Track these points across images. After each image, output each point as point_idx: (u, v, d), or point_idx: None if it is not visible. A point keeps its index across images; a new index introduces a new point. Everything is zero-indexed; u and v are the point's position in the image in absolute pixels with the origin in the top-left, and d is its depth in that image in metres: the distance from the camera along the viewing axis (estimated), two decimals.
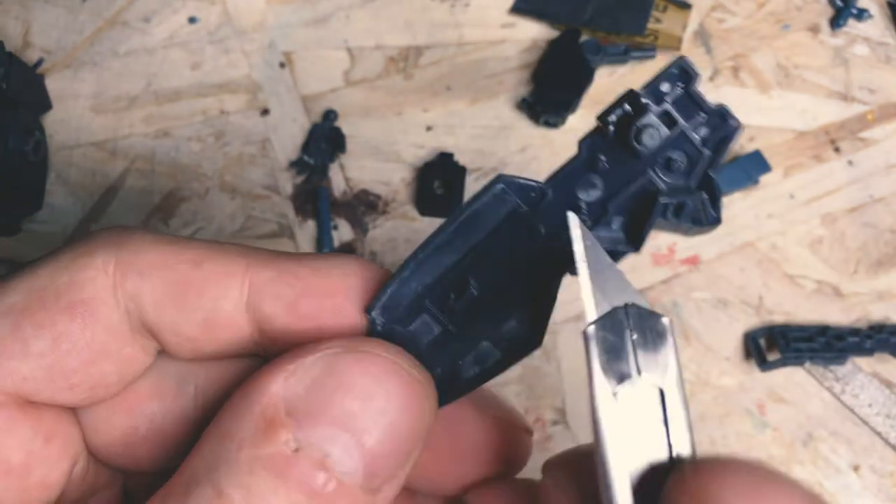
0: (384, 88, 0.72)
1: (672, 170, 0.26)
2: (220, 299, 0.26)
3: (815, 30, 0.75)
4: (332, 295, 0.26)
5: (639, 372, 0.19)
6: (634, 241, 0.26)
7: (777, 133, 0.70)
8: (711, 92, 0.71)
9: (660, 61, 0.73)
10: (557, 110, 0.67)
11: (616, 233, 0.27)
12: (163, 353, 0.28)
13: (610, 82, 0.71)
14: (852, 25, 0.75)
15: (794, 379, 0.60)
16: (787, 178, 0.68)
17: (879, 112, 0.71)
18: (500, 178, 0.26)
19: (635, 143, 0.25)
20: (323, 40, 0.74)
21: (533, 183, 0.26)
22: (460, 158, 0.67)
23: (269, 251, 0.27)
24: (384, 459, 0.23)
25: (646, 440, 0.18)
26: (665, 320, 0.21)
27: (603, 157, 0.26)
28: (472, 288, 0.26)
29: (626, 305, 0.21)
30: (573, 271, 0.23)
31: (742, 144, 0.69)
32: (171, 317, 0.26)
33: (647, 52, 0.72)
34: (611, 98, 0.25)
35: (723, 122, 0.26)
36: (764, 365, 0.60)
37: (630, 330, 0.20)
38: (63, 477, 0.27)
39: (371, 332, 0.27)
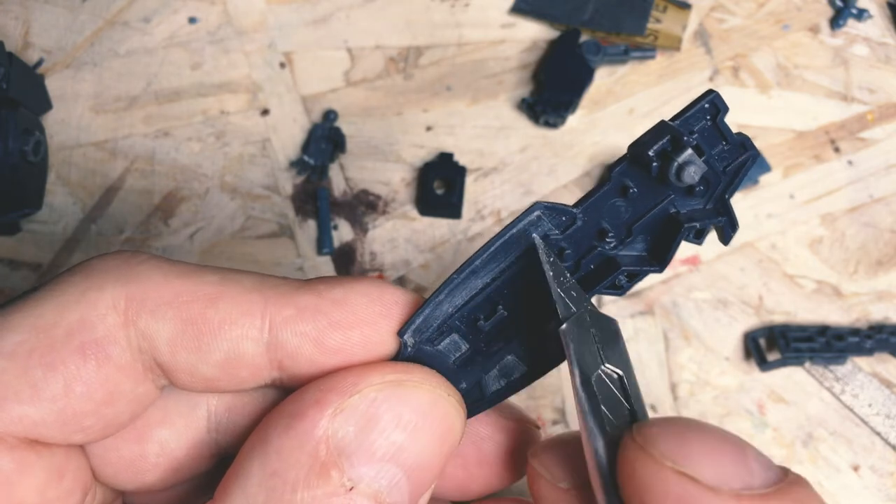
0: (384, 88, 0.72)
1: (693, 194, 0.27)
2: (239, 340, 0.25)
3: (815, 30, 0.75)
4: (357, 326, 0.26)
5: (603, 362, 0.23)
6: (659, 261, 0.27)
7: (777, 133, 0.70)
8: None
9: (660, 61, 0.73)
10: (557, 110, 0.67)
11: (641, 253, 0.28)
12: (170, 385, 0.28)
13: (610, 82, 0.71)
14: (852, 25, 0.75)
15: (794, 379, 0.60)
16: (787, 178, 0.68)
17: (879, 112, 0.71)
18: (536, 206, 0.27)
19: (674, 179, 0.26)
20: (323, 40, 0.74)
21: (567, 208, 0.27)
22: (460, 158, 0.67)
23: (284, 281, 0.27)
24: (425, 481, 0.24)
25: (614, 412, 0.23)
26: (615, 322, 0.25)
27: (632, 185, 0.27)
28: (500, 308, 0.27)
29: (586, 309, 0.25)
30: (599, 291, 0.27)
31: None
32: (186, 358, 0.25)
33: (647, 52, 0.72)
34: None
35: (742, 151, 0.27)
36: (764, 365, 0.60)
37: (592, 329, 0.24)
38: None
39: (401, 354, 0.27)
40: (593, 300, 0.27)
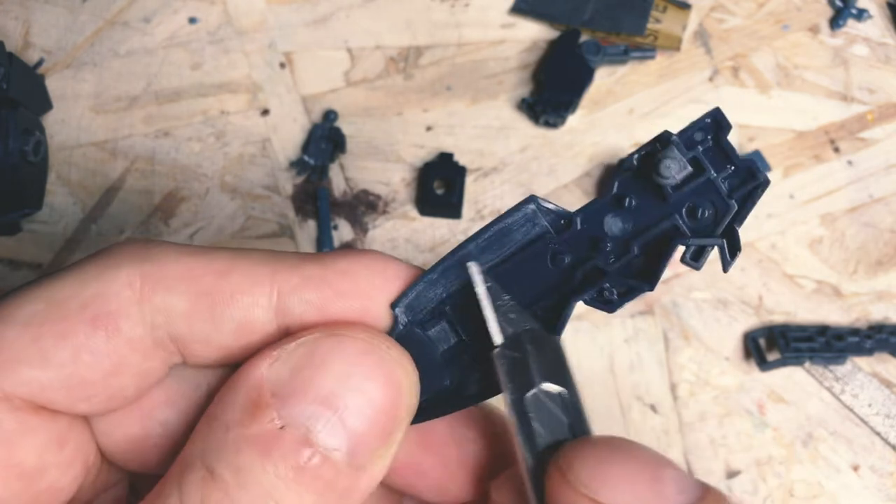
0: (384, 88, 0.72)
1: (697, 217, 0.26)
2: (250, 307, 0.26)
3: (814, 30, 0.75)
4: (358, 296, 0.27)
5: (539, 382, 0.23)
6: (649, 279, 0.27)
7: (777, 133, 0.70)
8: (711, 92, 0.71)
9: (660, 62, 0.73)
10: (557, 110, 0.67)
11: (635, 269, 0.27)
12: (178, 364, 0.28)
13: (610, 82, 0.71)
14: (852, 25, 0.75)
15: (794, 379, 0.60)
16: (787, 178, 0.68)
17: (879, 112, 0.71)
18: (531, 199, 0.27)
19: (655, 175, 0.25)
20: (323, 40, 0.74)
21: (563, 211, 0.27)
22: (460, 158, 0.67)
23: (292, 254, 0.28)
24: (367, 436, 0.24)
25: (553, 432, 0.23)
26: (557, 339, 0.25)
27: (631, 197, 0.27)
28: None
29: (525, 329, 0.25)
30: (586, 300, 0.27)
31: (742, 144, 0.69)
32: (201, 328, 0.26)
33: (646, 52, 0.72)
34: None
35: (751, 177, 0.26)
36: (764, 365, 0.60)
37: (529, 346, 0.24)
38: (74, 482, 0.27)
39: (394, 329, 0.27)
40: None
